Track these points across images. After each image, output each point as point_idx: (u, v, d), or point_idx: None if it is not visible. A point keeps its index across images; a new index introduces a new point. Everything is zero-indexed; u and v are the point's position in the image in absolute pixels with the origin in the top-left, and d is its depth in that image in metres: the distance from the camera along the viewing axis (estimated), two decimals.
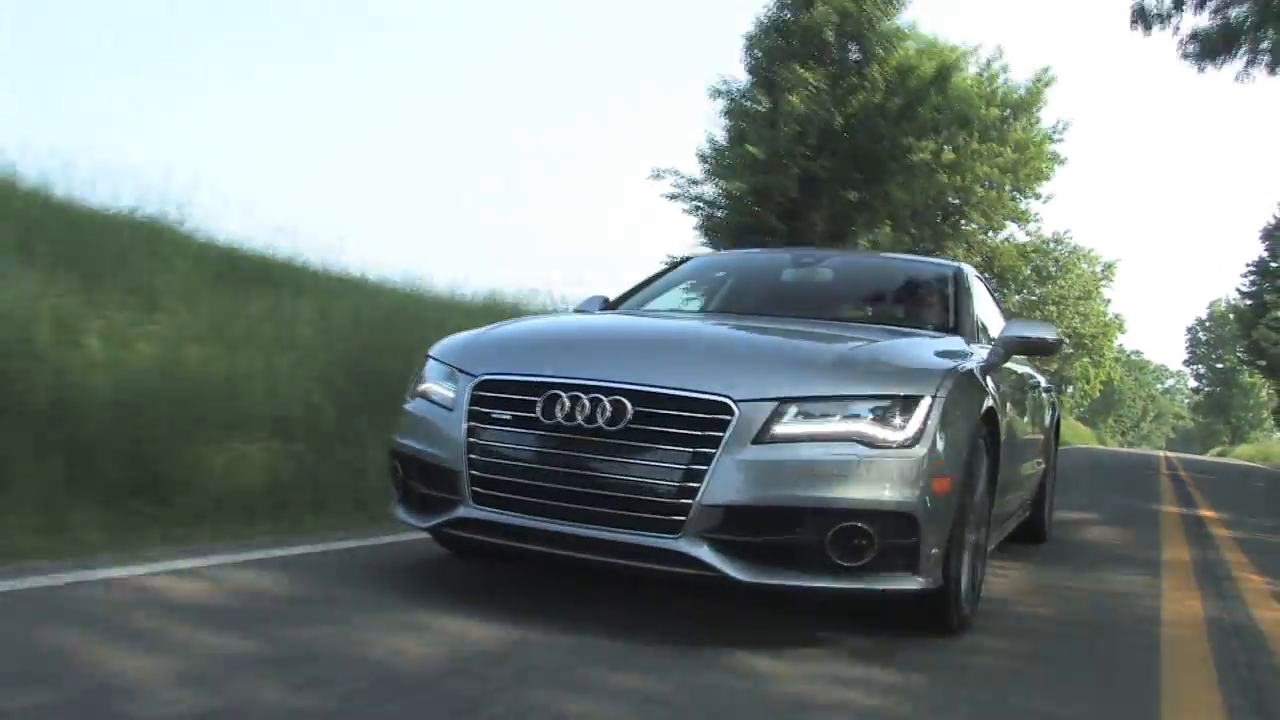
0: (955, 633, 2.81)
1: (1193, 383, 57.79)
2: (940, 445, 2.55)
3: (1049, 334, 3.64)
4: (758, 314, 3.90)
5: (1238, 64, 13.50)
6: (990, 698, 2.37)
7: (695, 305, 4.06)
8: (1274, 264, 29.58)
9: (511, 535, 2.60)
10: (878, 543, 2.43)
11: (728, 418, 2.44)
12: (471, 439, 2.66)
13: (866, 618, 2.86)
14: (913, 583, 2.51)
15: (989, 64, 21.99)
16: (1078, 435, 29.86)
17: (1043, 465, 4.67)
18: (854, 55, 18.12)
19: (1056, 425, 5.21)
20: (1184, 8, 13.63)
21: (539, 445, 2.57)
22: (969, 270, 4.01)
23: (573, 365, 2.67)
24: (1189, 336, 43.59)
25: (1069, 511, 6.28)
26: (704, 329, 3.37)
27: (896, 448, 2.48)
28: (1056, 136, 23.13)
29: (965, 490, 2.69)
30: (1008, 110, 22.26)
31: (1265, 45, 13.27)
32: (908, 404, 2.55)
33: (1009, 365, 3.78)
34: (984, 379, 3.01)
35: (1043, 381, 5.00)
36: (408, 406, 3.00)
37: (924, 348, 3.10)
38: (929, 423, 2.54)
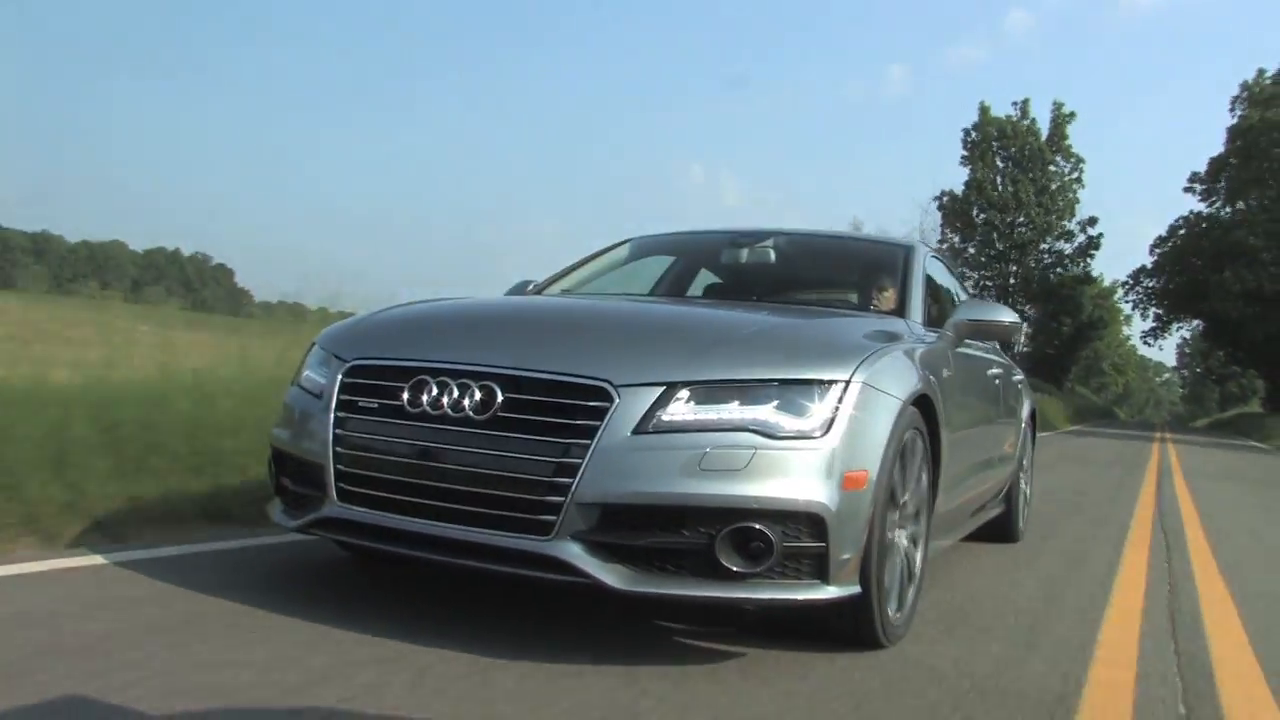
0: (884, 646, 2.49)
1: (1179, 380, 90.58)
2: (855, 436, 2.26)
3: (1004, 316, 3.32)
4: (689, 298, 3.62)
5: None
6: None
7: (625, 289, 3.77)
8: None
9: (378, 536, 2.33)
10: (777, 546, 2.13)
11: (605, 404, 2.15)
12: (338, 430, 2.39)
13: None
14: (823, 592, 2.21)
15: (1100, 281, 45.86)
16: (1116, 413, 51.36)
17: (1013, 461, 4.34)
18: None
19: (1033, 417, 4.87)
20: None
21: (404, 436, 2.29)
22: (922, 248, 3.69)
23: (444, 349, 2.40)
24: (1178, 350, 65.34)
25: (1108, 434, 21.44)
26: (593, 309, 3.06)
27: (802, 438, 2.19)
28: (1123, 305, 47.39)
29: (888, 487, 2.38)
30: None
31: None
32: (817, 390, 2.25)
33: (966, 351, 3.47)
34: (918, 363, 2.71)
35: (1016, 371, 4.68)
36: (286, 397, 2.74)
37: (851, 329, 2.79)
38: (841, 411, 2.25)
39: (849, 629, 2.45)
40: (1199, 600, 3.49)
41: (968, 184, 41.37)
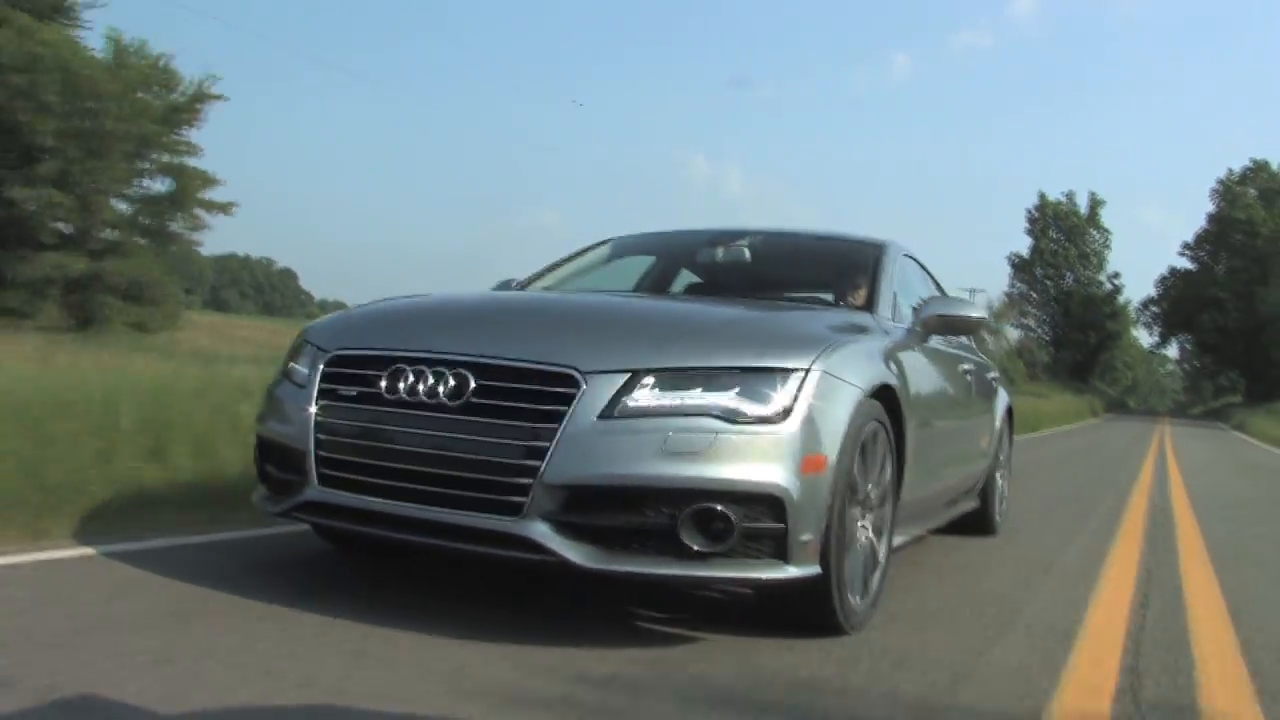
0: (845, 631, 2.52)
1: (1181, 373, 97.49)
2: (814, 423, 2.34)
3: (970, 312, 3.42)
4: (660, 293, 3.72)
5: None
6: None
7: (605, 287, 3.86)
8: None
9: (356, 519, 2.42)
10: (738, 527, 2.22)
11: (573, 390, 2.25)
12: (320, 417, 2.49)
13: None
14: (783, 571, 2.28)
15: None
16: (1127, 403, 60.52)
17: (988, 456, 4.41)
18: None
19: (1009, 414, 4.94)
20: None
21: (382, 422, 2.39)
22: (893, 247, 3.78)
23: (420, 339, 2.50)
24: (1179, 345, 68.46)
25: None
26: (562, 301, 3.18)
27: (762, 424, 2.27)
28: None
29: (848, 472, 2.45)
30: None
31: None
32: (778, 377, 2.34)
33: (935, 346, 3.56)
34: (882, 355, 2.80)
35: (991, 369, 4.76)
36: (272, 387, 2.84)
37: (814, 321, 2.89)
38: (800, 398, 2.33)
39: (809, 613, 2.49)
40: (1168, 455, 13.36)
41: (1032, 250, 59.44)
